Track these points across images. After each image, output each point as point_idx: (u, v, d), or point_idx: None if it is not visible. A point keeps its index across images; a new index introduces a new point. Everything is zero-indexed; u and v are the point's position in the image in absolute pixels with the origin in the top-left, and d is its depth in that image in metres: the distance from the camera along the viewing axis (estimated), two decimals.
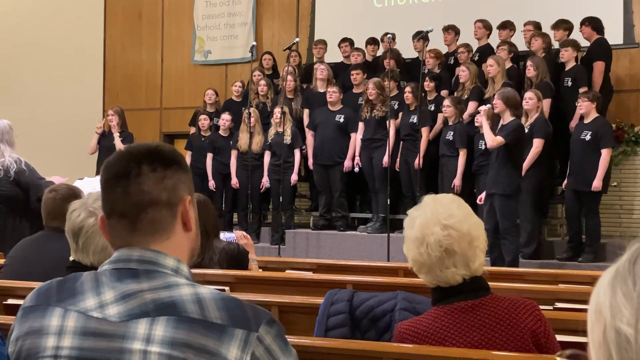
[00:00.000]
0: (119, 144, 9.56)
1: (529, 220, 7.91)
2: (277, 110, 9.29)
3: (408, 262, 2.45)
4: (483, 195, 7.66)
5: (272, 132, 9.41)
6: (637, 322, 0.84)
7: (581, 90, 8.11)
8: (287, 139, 9.25)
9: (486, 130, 7.45)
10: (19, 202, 5.67)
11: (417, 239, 2.34)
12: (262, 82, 10.03)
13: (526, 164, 7.72)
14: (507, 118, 7.41)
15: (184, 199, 1.63)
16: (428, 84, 8.85)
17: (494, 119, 7.63)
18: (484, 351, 2.29)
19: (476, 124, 8.10)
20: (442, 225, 2.32)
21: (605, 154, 7.67)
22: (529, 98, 7.81)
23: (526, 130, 7.76)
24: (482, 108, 7.68)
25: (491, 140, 7.37)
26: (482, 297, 2.36)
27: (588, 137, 7.70)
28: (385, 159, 8.66)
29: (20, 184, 5.66)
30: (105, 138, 10.01)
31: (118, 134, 9.87)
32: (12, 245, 4.08)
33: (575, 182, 7.81)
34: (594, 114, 7.79)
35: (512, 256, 7.38)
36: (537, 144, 7.74)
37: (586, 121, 7.82)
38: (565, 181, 8.00)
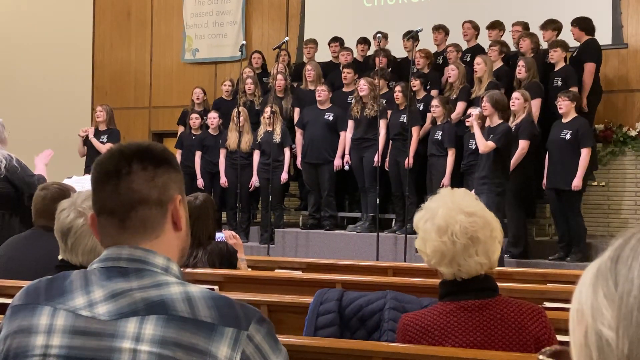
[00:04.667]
0: (97, 145, 9.56)
1: (515, 220, 7.94)
2: (267, 110, 9.28)
3: (422, 256, 2.42)
4: (472, 192, 7.70)
5: (261, 131, 9.41)
6: (618, 325, 0.79)
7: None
8: (277, 137, 9.24)
9: (478, 135, 7.54)
10: (9, 199, 5.64)
11: (441, 228, 2.32)
12: (249, 80, 10.01)
13: (511, 165, 7.75)
14: (495, 121, 7.53)
15: (174, 198, 1.63)
16: (414, 83, 8.87)
17: (482, 120, 7.71)
18: (472, 350, 2.29)
19: (467, 124, 8.14)
20: (466, 213, 2.32)
21: (585, 153, 7.69)
22: (516, 98, 7.84)
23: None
24: (473, 112, 7.73)
25: (483, 145, 7.47)
26: (490, 297, 2.36)
27: (568, 137, 7.72)
28: (376, 158, 8.67)
29: (11, 181, 5.63)
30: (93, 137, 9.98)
31: (98, 133, 9.87)
32: (2, 243, 4.06)
33: (555, 181, 7.84)
34: (573, 114, 7.81)
35: None
36: (523, 145, 7.77)
37: (565, 120, 7.82)
38: (545, 180, 8.02)
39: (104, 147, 9.18)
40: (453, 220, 2.31)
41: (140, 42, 12.93)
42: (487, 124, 7.67)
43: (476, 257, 2.32)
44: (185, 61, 12.54)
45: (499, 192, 7.48)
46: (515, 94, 7.89)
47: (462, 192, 2.44)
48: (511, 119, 7.93)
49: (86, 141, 10.01)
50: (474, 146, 7.92)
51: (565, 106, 7.77)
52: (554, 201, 7.95)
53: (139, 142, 1.67)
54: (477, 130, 7.58)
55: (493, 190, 7.45)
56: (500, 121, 7.54)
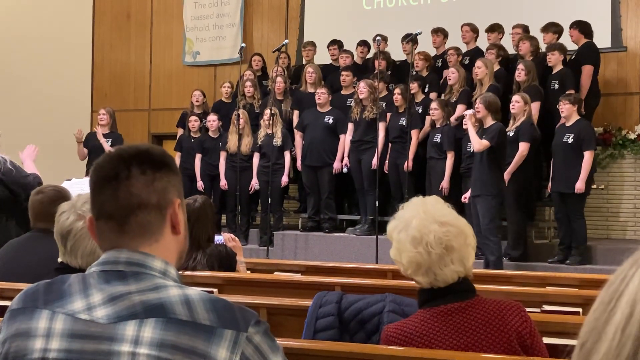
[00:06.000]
0: (106, 147, 9.51)
1: (515, 222, 7.94)
2: (267, 112, 9.28)
3: (398, 265, 2.44)
4: (468, 193, 7.74)
5: (262, 133, 9.40)
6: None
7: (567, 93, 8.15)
8: (278, 140, 9.24)
9: (472, 135, 7.56)
10: (5, 202, 5.63)
11: (415, 239, 2.34)
12: (248, 83, 10.01)
13: (511, 168, 7.75)
14: (489, 122, 7.58)
15: (173, 202, 1.63)
16: (412, 86, 8.87)
17: (480, 123, 7.73)
18: (471, 353, 2.30)
19: (464, 127, 8.14)
20: (440, 223, 2.34)
21: (588, 156, 7.69)
22: (516, 101, 7.84)
23: (512, 134, 7.81)
24: (468, 113, 7.74)
25: (478, 144, 7.48)
26: (468, 299, 2.38)
27: (571, 140, 7.72)
28: (374, 161, 8.67)
29: (6, 183, 5.62)
30: (94, 139, 9.97)
31: (102, 136, 9.83)
32: (0, 246, 4.05)
33: (559, 184, 7.84)
34: (575, 117, 7.81)
35: (495, 256, 7.45)
36: (523, 147, 7.76)
37: (568, 124, 7.83)
38: (550, 184, 8.03)
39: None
40: (427, 230, 2.33)
41: (140, 44, 12.94)
42: (485, 124, 7.68)
43: (452, 266, 2.34)
44: (186, 64, 12.55)
45: (495, 194, 7.49)
46: (515, 97, 7.90)
47: (434, 200, 2.47)
48: (511, 122, 7.93)
49: (86, 144, 9.99)
50: (471, 149, 7.92)
51: (567, 109, 7.77)
52: (558, 204, 7.94)
53: (137, 145, 1.66)
54: (471, 130, 7.59)
55: (490, 193, 7.47)
56: (493, 122, 7.57)
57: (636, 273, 0.79)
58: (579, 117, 7.83)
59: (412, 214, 2.39)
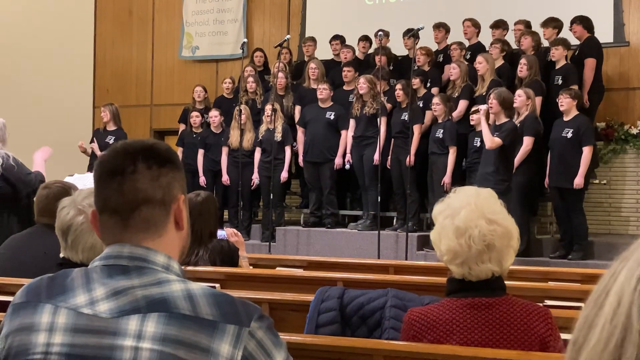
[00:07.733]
0: (96, 150, 9.53)
1: (518, 217, 7.89)
2: (268, 107, 9.28)
3: (435, 249, 2.42)
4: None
5: (263, 129, 9.41)
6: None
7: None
8: (278, 136, 9.24)
9: (485, 131, 7.47)
10: (6, 198, 5.64)
11: (459, 229, 2.31)
12: (250, 78, 10.01)
13: (516, 162, 7.73)
14: (502, 119, 7.48)
15: (177, 198, 1.63)
16: (414, 81, 8.85)
17: (487, 117, 7.69)
18: (473, 348, 2.30)
19: (471, 122, 8.12)
20: (488, 220, 2.31)
21: (587, 151, 7.68)
22: (518, 96, 7.83)
23: None
24: (482, 108, 7.69)
25: (490, 141, 7.41)
26: (497, 296, 2.36)
27: (570, 135, 7.70)
28: (376, 156, 8.66)
29: (8, 179, 5.63)
30: (98, 135, 9.96)
31: (107, 133, 9.81)
32: (1, 242, 4.06)
33: (558, 179, 7.82)
34: (574, 111, 7.80)
35: None
36: (528, 142, 7.75)
37: (566, 118, 7.81)
38: (547, 179, 8.01)
39: None
40: (473, 224, 2.30)
41: (142, 40, 12.94)
42: (490, 121, 7.63)
43: (489, 264, 2.32)
44: (182, 58, 12.54)
45: (502, 190, 7.41)
46: (517, 92, 7.88)
47: (488, 193, 2.43)
48: (515, 116, 7.91)
49: (93, 140, 9.96)
50: (478, 144, 7.90)
51: (566, 104, 7.75)
52: (556, 199, 7.94)
53: (142, 140, 1.67)
54: (484, 126, 7.50)
55: (495, 189, 7.39)
56: (507, 119, 7.51)
57: (624, 267, 0.82)
58: (577, 112, 7.81)
59: (462, 204, 2.35)
